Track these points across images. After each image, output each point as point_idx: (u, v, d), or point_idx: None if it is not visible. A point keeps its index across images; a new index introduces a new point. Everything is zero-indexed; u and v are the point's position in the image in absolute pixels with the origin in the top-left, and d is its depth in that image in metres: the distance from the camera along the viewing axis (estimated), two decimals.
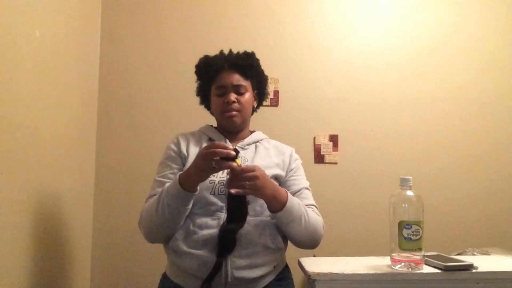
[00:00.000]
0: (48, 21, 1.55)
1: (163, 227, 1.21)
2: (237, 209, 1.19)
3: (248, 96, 1.38)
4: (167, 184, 1.21)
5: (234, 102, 1.34)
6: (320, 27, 2.26)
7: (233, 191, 1.11)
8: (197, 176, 1.15)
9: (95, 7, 2.12)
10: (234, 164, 1.11)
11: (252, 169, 1.13)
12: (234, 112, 1.35)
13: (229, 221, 1.18)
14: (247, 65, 1.38)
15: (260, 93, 1.47)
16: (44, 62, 1.51)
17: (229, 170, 1.12)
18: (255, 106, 1.46)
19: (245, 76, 1.38)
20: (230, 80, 1.36)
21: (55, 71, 1.61)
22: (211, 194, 1.23)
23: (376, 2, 2.30)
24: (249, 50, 1.44)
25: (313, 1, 2.27)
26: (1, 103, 1.23)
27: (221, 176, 1.25)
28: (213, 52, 1.47)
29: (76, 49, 1.85)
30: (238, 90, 1.36)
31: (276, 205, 1.19)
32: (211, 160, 1.09)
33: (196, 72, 1.45)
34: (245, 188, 1.12)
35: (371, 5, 2.29)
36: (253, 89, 1.42)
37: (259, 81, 1.45)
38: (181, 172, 1.19)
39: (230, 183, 1.13)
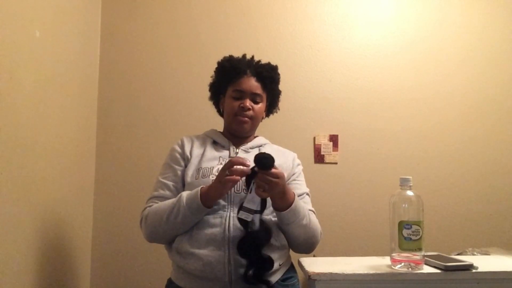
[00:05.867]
0: (48, 21, 1.55)
1: (170, 232, 1.24)
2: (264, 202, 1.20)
3: (261, 106, 1.41)
4: (185, 194, 1.22)
5: (249, 109, 1.36)
6: (320, 27, 2.26)
7: (264, 193, 1.14)
8: (215, 190, 1.17)
9: (95, 7, 2.12)
10: (243, 168, 1.15)
11: (277, 175, 1.14)
12: (247, 119, 1.37)
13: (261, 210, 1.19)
14: (269, 77, 1.41)
15: (271, 107, 1.50)
16: (44, 62, 1.51)
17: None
18: (263, 117, 1.48)
19: (264, 87, 1.41)
20: (250, 87, 1.38)
21: (55, 71, 1.61)
22: None
23: (376, 2, 2.30)
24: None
25: (312, 1, 2.27)
26: (1, 103, 1.23)
27: None
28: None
29: (76, 49, 1.85)
30: (255, 99, 1.39)
31: (283, 204, 1.21)
32: (226, 170, 1.14)
33: (218, 69, 1.46)
34: (265, 191, 1.14)
35: (371, 5, 2.29)
36: (266, 101, 1.45)
37: (273, 95, 1.48)
38: (203, 186, 1.21)
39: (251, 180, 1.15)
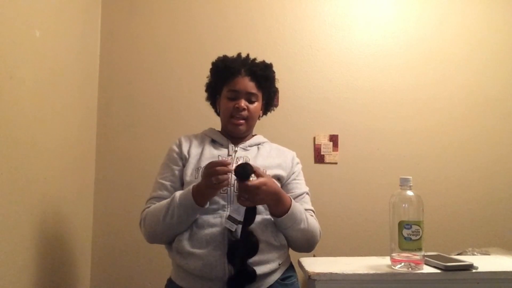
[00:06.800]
0: (48, 21, 1.55)
1: (167, 233, 1.25)
2: (249, 214, 1.20)
3: (257, 105, 1.40)
4: (178, 194, 1.22)
5: (244, 109, 1.36)
6: (320, 27, 2.26)
7: (245, 202, 1.15)
8: (207, 193, 1.18)
9: (95, 7, 2.12)
10: (224, 168, 1.14)
11: (257, 186, 1.14)
12: (242, 121, 1.37)
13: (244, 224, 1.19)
14: (263, 75, 1.40)
15: (268, 105, 1.49)
16: (44, 62, 1.51)
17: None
18: (260, 115, 1.47)
19: (259, 85, 1.40)
20: (245, 87, 1.37)
21: (55, 71, 1.61)
22: None
23: (376, 2, 2.30)
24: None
25: (313, 1, 2.27)
26: (1, 103, 1.23)
27: None
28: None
29: (76, 49, 1.85)
30: (250, 98, 1.38)
31: (279, 211, 1.22)
32: (212, 177, 1.13)
33: (212, 70, 1.45)
34: (247, 201, 1.15)
35: (371, 5, 2.29)
36: (263, 100, 1.44)
37: (270, 93, 1.47)
38: (194, 185, 1.20)
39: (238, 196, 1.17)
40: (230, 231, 1.17)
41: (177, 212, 1.19)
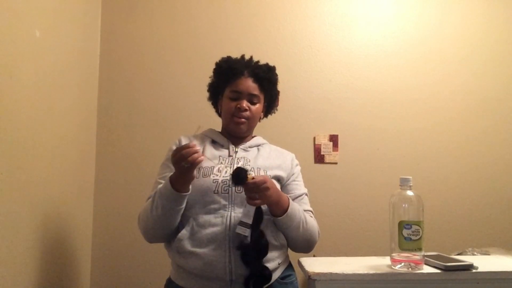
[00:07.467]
0: (48, 21, 1.55)
1: (158, 227, 1.25)
2: (258, 214, 1.21)
3: (259, 106, 1.41)
4: (160, 186, 1.24)
5: (246, 110, 1.36)
6: (320, 27, 2.26)
7: (256, 201, 1.17)
8: (182, 178, 1.18)
9: (95, 7, 2.12)
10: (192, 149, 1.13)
11: (263, 181, 1.16)
12: (243, 120, 1.37)
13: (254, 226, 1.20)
14: (266, 78, 1.41)
15: (269, 107, 1.50)
16: (44, 62, 1.51)
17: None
18: (261, 117, 1.48)
19: (262, 87, 1.41)
20: (247, 88, 1.38)
21: (55, 71, 1.61)
22: (214, 193, 1.25)
23: (376, 2, 2.30)
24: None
25: (313, 1, 2.27)
26: (1, 103, 1.23)
27: (224, 175, 1.27)
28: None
29: (76, 49, 1.85)
30: (252, 99, 1.39)
31: (279, 210, 1.23)
32: (181, 162, 1.12)
33: (215, 70, 1.46)
34: (257, 199, 1.17)
35: (371, 5, 2.29)
36: (264, 102, 1.45)
37: (271, 96, 1.47)
38: (172, 174, 1.21)
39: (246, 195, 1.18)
40: (242, 236, 1.18)
41: (160, 202, 1.20)
